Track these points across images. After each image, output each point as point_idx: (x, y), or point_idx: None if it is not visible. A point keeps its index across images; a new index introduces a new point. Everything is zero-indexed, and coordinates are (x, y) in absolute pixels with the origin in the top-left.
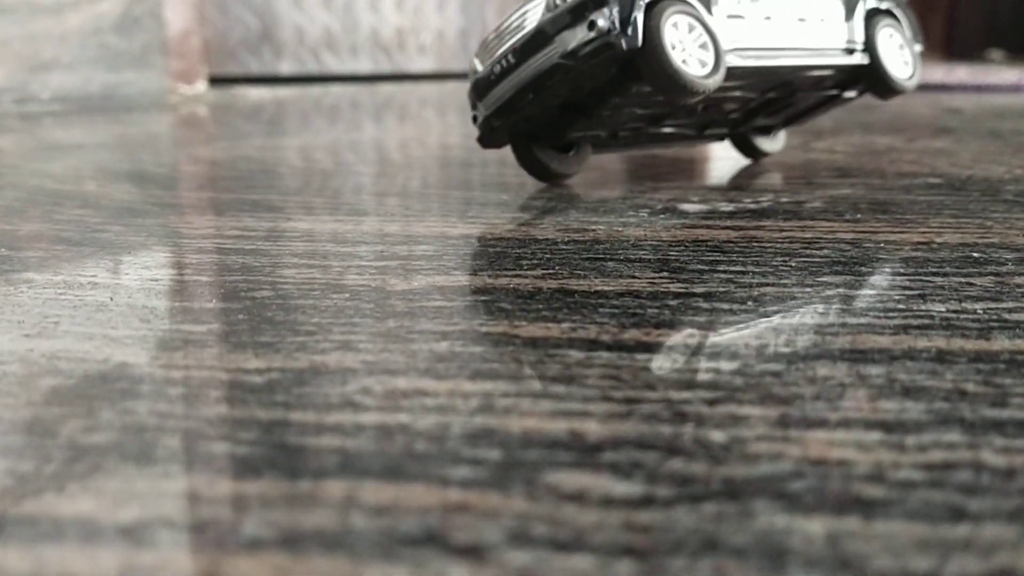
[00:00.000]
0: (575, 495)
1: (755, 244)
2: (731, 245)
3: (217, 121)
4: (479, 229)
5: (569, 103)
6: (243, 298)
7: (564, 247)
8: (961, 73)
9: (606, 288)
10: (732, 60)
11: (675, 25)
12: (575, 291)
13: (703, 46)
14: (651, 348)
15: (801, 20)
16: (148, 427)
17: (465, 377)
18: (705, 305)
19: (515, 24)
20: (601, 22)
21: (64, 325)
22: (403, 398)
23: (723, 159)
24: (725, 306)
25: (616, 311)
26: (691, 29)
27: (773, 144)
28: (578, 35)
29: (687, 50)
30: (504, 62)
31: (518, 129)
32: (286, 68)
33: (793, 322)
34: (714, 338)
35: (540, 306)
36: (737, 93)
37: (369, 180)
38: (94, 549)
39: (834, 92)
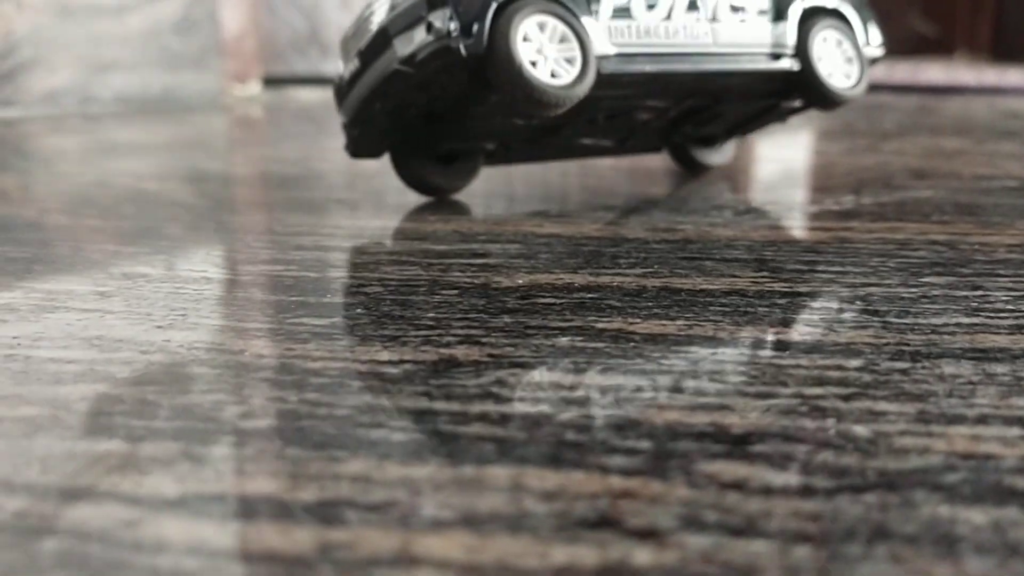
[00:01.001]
0: (735, 484)
1: (848, 245)
2: (824, 245)
3: (272, 121)
4: (566, 228)
5: (431, 113)
6: (356, 293)
7: (657, 246)
8: (1014, 76)
9: (710, 287)
10: (614, 66)
11: (535, 27)
12: (680, 289)
13: (568, 52)
14: (772, 346)
15: (713, 20)
16: (301, 414)
17: (596, 371)
18: (814, 304)
19: (364, 23)
20: (438, 23)
21: (191, 317)
22: (539, 390)
23: (779, 161)
24: (834, 305)
25: (727, 309)
26: (554, 33)
27: (717, 156)
28: (416, 38)
29: (546, 56)
30: (354, 65)
31: (390, 138)
32: (332, 69)
33: (907, 322)
34: (832, 336)
35: (649, 303)
36: (646, 102)
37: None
38: (287, 526)
39: (771, 101)
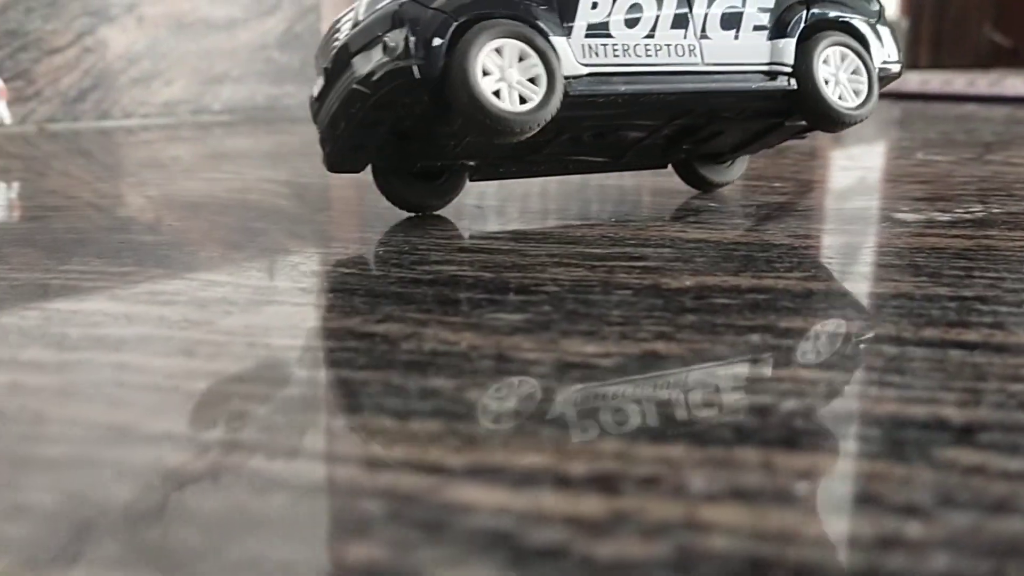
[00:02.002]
0: (976, 468)
1: (995, 252)
2: (972, 252)
3: None
4: (710, 234)
5: (402, 132)
6: (536, 291)
7: (806, 252)
8: None
9: (875, 290)
10: (586, 87)
11: (496, 51)
12: (846, 292)
13: (534, 76)
14: (958, 345)
15: (702, 37)
16: (534, 397)
17: (798, 365)
18: (984, 308)
19: (331, 39)
20: (393, 43)
21: (385, 308)
22: (753, 382)
23: (883, 171)
24: (1003, 309)
25: (900, 311)
26: (519, 56)
27: (724, 174)
28: (374, 57)
29: (508, 80)
30: (320, 82)
31: (367, 154)
32: None
33: None
34: (1013, 338)
35: (823, 305)
36: (633, 121)
37: (555, 185)
38: (573, 494)
39: (774, 120)
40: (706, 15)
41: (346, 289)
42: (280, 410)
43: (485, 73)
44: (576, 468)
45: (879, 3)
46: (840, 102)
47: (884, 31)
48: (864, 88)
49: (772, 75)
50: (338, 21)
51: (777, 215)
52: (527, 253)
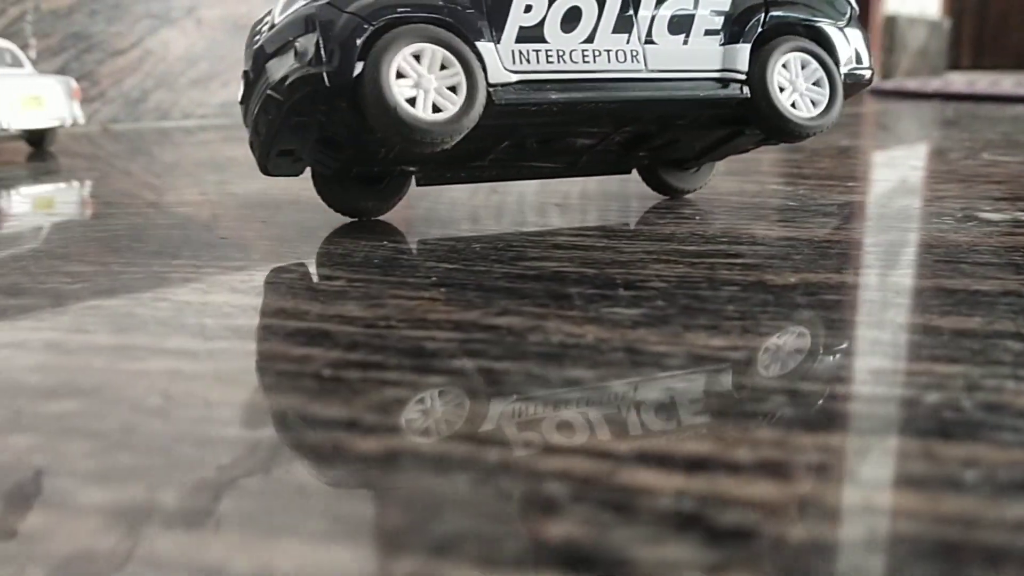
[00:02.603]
0: None
1: None
2: None
3: None
4: (798, 232)
5: (331, 138)
6: (645, 287)
7: (899, 250)
8: None
9: (982, 288)
10: (514, 95)
11: (410, 58)
12: (955, 290)
13: (451, 79)
14: None
15: (647, 42)
16: (676, 388)
17: (928, 359)
18: None
19: (253, 38)
20: (302, 48)
21: (500, 302)
22: (890, 375)
23: (955, 172)
24: None
25: (1015, 308)
26: (437, 62)
27: (690, 181)
28: (286, 63)
29: (425, 88)
30: (242, 83)
31: (300, 159)
32: None
33: None
34: None
35: (936, 302)
36: (576, 128)
37: (595, 185)
38: (743, 477)
39: (731, 129)
40: (653, 18)
41: (456, 283)
42: (437, 397)
43: (400, 75)
44: (741, 455)
45: (850, 5)
46: (796, 112)
47: (854, 34)
48: (824, 97)
49: (724, 83)
50: (259, 22)
51: (858, 214)
52: (622, 250)
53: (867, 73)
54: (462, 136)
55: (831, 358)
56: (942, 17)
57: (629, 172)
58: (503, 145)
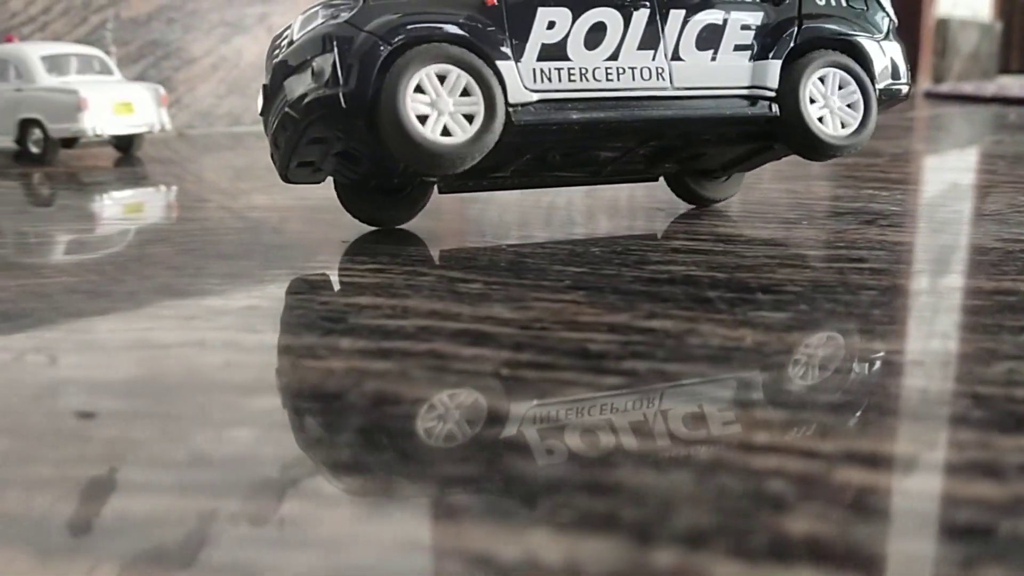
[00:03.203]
0: None
1: None
2: None
3: None
4: (902, 236)
5: (349, 152)
6: (782, 291)
7: (1021, 255)
8: None
9: None
10: (534, 116)
11: (432, 78)
12: None
13: (468, 107)
14: None
15: (674, 59)
16: (857, 390)
17: None
18: None
19: (273, 52)
20: (319, 68)
21: (644, 305)
22: None
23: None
24: None
25: None
26: (455, 84)
27: (719, 190)
28: (304, 81)
29: (440, 111)
30: (260, 97)
31: (320, 168)
32: None
33: None
34: None
35: None
36: (599, 143)
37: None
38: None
39: (763, 143)
40: (681, 34)
41: (591, 287)
42: (619, 394)
43: (419, 90)
44: (951, 456)
45: (890, 17)
46: (827, 130)
47: (892, 48)
48: (856, 118)
49: (752, 100)
50: (279, 36)
51: (957, 219)
52: (743, 255)
53: (904, 88)
54: (476, 160)
55: (995, 363)
56: (993, 20)
57: (656, 180)
58: (525, 158)
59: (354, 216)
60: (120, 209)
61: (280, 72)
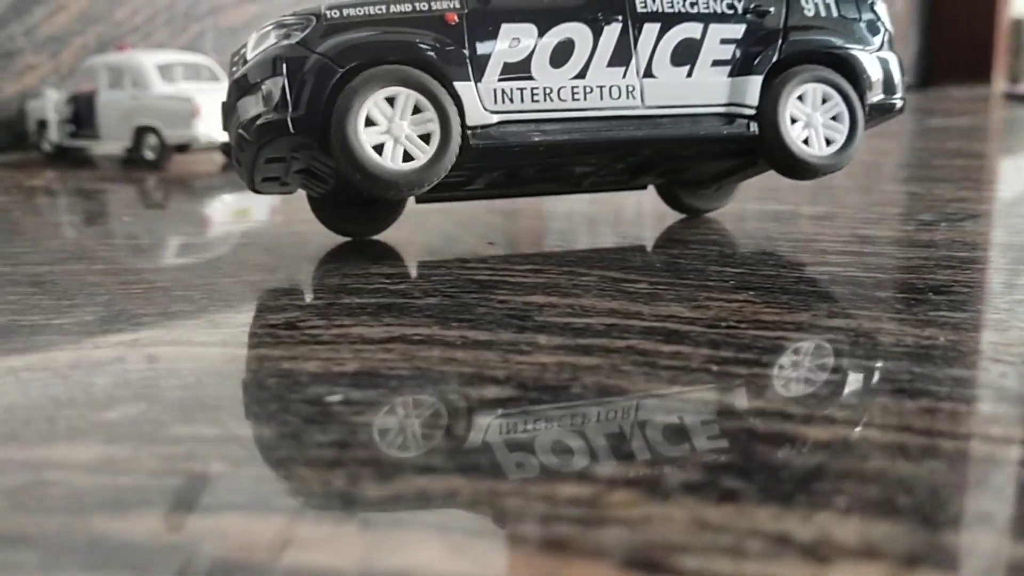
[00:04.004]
0: None
1: None
2: None
3: None
4: (962, 235)
5: (310, 169)
6: (951, 292)
7: None
8: None
9: None
10: (494, 139)
11: (382, 103)
12: None
13: (424, 127)
14: None
15: (646, 76)
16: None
17: None
18: None
19: (232, 69)
20: (267, 91)
21: (821, 305)
22: None
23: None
24: None
25: None
26: (410, 106)
27: (709, 200)
28: (255, 104)
29: (395, 135)
30: (222, 110)
31: (288, 181)
32: None
33: None
34: None
35: None
36: (572, 159)
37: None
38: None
39: (746, 159)
40: (655, 49)
41: (757, 286)
42: (841, 388)
43: (371, 123)
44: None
45: (886, 28)
46: (809, 150)
47: (887, 60)
48: (842, 135)
49: (729, 118)
50: (236, 52)
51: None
52: (895, 256)
53: (899, 102)
54: (434, 184)
55: None
56: None
57: (644, 188)
58: (495, 175)
59: (327, 227)
60: (229, 213)
61: (234, 91)
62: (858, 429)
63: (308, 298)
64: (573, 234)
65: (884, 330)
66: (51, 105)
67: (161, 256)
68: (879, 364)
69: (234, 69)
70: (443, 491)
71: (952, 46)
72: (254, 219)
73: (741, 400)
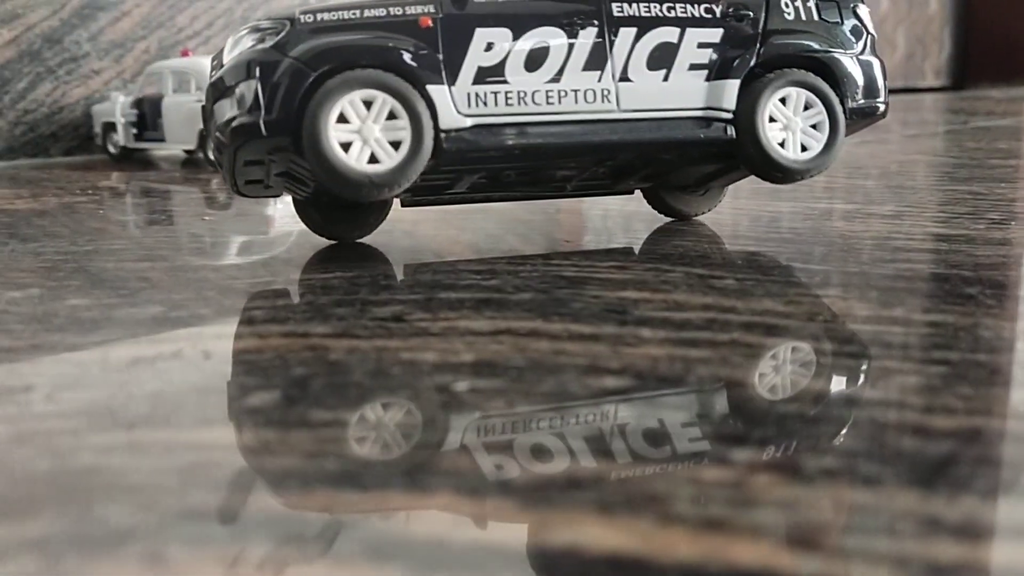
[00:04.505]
0: None
1: None
2: None
3: None
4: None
5: (289, 172)
6: (969, 297)
7: None
8: None
9: None
10: (467, 143)
11: (357, 104)
12: None
13: (395, 133)
14: None
15: (623, 80)
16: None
17: None
18: None
19: (212, 72)
20: (240, 95)
21: (914, 301)
22: None
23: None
24: None
25: None
26: (382, 110)
27: (696, 204)
28: (230, 107)
29: (365, 137)
30: (202, 114)
31: (272, 184)
32: None
33: None
34: None
35: None
36: (550, 163)
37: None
38: None
39: (728, 162)
40: (630, 53)
41: (844, 283)
42: (961, 380)
43: (343, 120)
44: None
45: (868, 32)
46: (787, 153)
47: (869, 64)
48: (820, 142)
49: (706, 122)
50: (216, 56)
51: None
52: (973, 253)
53: (881, 106)
54: (406, 187)
55: None
56: None
57: (631, 192)
58: (476, 176)
59: (312, 230)
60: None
61: (211, 94)
62: (978, 418)
63: (406, 293)
64: (632, 231)
65: (981, 324)
66: (118, 108)
67: (249, 253)
68: (982, 357)
69: (213, 72)
70: (594, 473)
71: (987, 47)
72: None
73: (861, 390)
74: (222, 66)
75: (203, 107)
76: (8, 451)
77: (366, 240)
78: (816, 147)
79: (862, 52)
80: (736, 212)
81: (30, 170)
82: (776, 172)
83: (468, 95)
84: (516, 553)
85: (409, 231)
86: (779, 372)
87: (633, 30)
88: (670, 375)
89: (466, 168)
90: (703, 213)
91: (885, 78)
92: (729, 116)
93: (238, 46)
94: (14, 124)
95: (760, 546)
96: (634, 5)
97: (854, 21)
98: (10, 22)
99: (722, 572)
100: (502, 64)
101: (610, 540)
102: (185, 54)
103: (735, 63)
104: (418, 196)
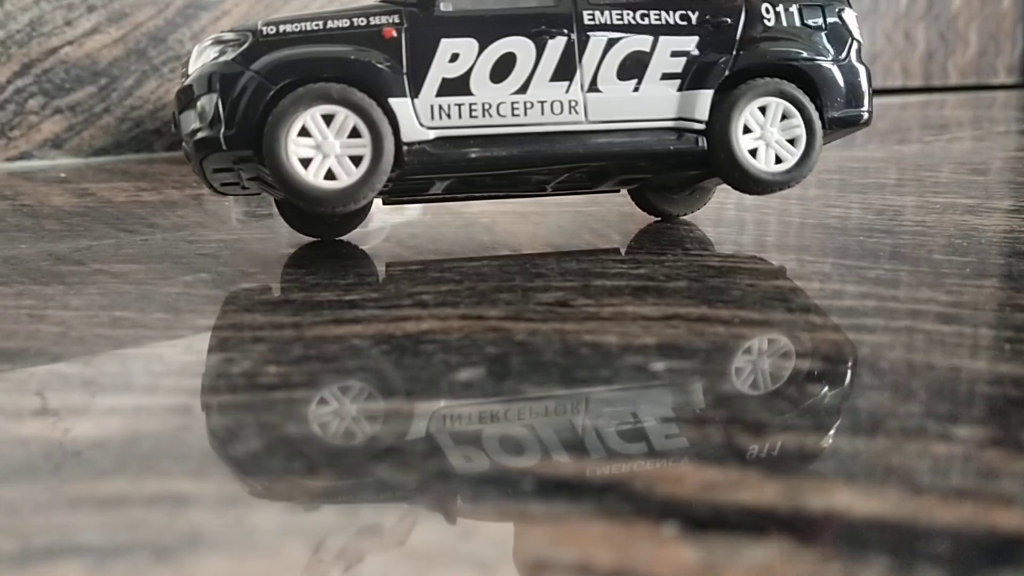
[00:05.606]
0: None
1: None
2: None
3: None
4: None
5: (259, 178)
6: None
7: None
8: None
9: None
10: (428, 156)
11: (317, 119)
12: None
13: (356, 149)
14: None
15: (591, 90)
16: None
17: None
18: None
19: (180, 79)
20: (200, 108)
21: (999, 294)
22: None
23: None
24: None
25: None
26: (344, 126)
27: (683, 205)
28: (192, 118)
29: (326, 152)
30: (172, 120)
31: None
32: None
33: None
34: None
35: None
36: (520, 170)
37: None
38: None
39: (703, 170)
40: (600, 63)
41: (981, 273)
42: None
43: (304, 133)
44: None
45: (853, 37)
46: (760, 165)
47: (854, 71)
48: (795, 154)
49: (678, 133)
50: (184, 64)
51: None
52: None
53: (865, 115)
54: (367, 200)
55: None
56: None
57: (617, 191)
58: (449, 182)
59: (292, 228)
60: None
61: (177, 103)
62: None
63: (560, 280)
64: (750, 226)
65: None
66: None
67: (384, 242)
68: None
69: (181, 80)
70: (817, 447)
71: None
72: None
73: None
74: (187, 76)
75: (173, 112)
76: None
77: (459, 231)
78: (790, 159)
79: (845, 58)
80: (849, 204)
81: (138, 164)
82: (751, 184)
83: (431, 107)
84: (779, 514)
85: (488, 225)
86: (964, 357)
87: (604, 38)
88: (860, 358)
89: (434, 176)
90: (690, 213)
91: (870, 84)
92: (701, 127)
93: (202, 57)
94: (121, 120)
95: (1014, 512)
96: (606, 13)
97: (839, 26)
98: (118, 21)
99: (987, 535)
100: (467, 75)
101: (862, 506)
102: None
103: (709, 72)
104: (396, 196)
